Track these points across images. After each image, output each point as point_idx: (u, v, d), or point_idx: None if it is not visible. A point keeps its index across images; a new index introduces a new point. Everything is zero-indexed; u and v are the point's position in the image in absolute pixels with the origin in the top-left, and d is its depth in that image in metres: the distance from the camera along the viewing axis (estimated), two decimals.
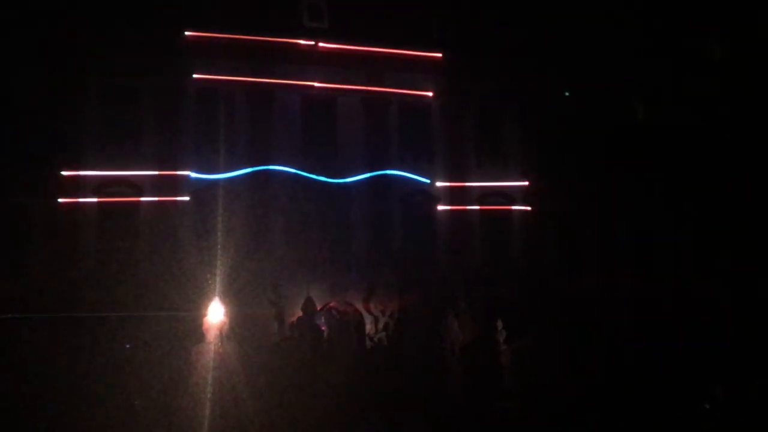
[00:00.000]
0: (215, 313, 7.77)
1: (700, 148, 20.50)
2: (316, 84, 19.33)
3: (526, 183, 20.67)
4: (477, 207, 20.54)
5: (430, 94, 20.25)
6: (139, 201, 17.72)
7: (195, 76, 18.24)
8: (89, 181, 17.47)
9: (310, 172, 18.82)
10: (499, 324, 11.43)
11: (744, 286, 17.88)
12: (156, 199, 17.57)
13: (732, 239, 20.23)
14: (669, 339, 12.95)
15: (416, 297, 14.77)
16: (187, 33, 18.16)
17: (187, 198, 17.73)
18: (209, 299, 8.21)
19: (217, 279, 10.10)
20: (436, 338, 12.42)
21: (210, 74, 18.41)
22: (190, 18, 18.33)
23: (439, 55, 20.00)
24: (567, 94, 20.68)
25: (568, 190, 20.06)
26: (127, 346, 12.60)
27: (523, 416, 9.56)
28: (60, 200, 17.04)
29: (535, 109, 20.32)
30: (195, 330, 8.25)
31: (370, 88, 19.71)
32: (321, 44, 19.16)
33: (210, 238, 14.68)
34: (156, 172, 17.71)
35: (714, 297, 17.44)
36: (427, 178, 20.06)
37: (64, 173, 17.09)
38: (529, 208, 20.80)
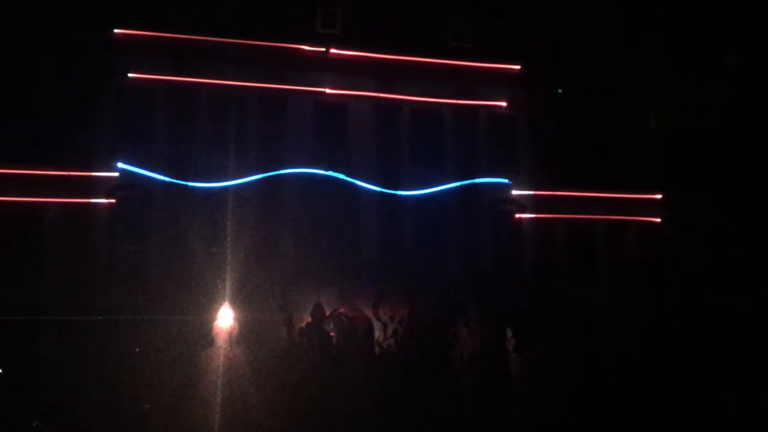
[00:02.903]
0: (225, 318, 7.80)
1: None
2: (328, 90, 19.33)
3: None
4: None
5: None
6: (150, 205, 17.75)
7: (207, 80, 18.28)
8: (101, 183, 17.53)
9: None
10: (509, 332, 11.41)
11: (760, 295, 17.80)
12: (167, 203, 17.58)
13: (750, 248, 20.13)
14: (681, 347, 12.87)
15: (426, 304, 14.74)
16: (198, 38, 18.21)
17: (197, 203, 17.74)
18: (219, 304, 8.24)
19: (227, 284, 10.15)
20: (444, 346, 12.39)
21: (221, 80, 18.46)
22: (203, 23, 18.41)
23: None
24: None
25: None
26: (137, 350, 12.66)
27: (533, 425, 9.52)
28: (72, 202, 17.11)
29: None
30: (205, 334, 8.29)
31: (382, 95, 19.70)
32: (333, 50, 19.19)
33: (221, 243, 14.74)
34: (167, 178, 17.74)
35: (730, 307, 17.36)
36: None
37: (76, 174, 17.14)
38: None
